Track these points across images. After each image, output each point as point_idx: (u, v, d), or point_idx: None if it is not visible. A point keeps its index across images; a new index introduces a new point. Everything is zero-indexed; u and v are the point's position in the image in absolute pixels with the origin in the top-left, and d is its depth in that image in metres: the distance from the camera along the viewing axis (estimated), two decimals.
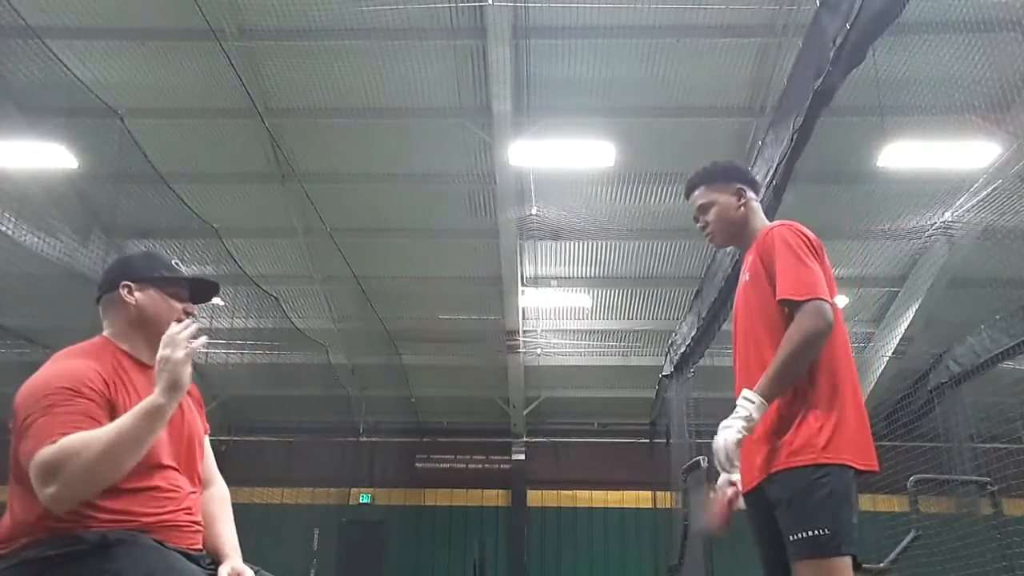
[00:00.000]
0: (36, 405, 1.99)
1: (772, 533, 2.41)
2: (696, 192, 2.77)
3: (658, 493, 13.24)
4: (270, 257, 12.15)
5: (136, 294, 2.28)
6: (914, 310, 11.25)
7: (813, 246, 2.48)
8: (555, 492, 16.47)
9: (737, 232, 2.72)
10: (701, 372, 9.81)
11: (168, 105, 9.07)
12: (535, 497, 16.46)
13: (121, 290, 2.28)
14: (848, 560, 2.25)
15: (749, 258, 2.62)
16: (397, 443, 15.96)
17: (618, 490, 16.07)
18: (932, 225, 9.62)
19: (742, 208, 2.69)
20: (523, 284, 12.42)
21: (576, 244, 11.78)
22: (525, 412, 15.88)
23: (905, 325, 11.57)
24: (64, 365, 2.12)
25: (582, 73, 8.61)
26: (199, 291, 2.43)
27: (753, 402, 2.32)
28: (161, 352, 2.02)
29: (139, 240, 11.39)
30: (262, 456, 13.10)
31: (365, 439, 15.77)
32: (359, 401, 15.29)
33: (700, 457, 8.36)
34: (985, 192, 8.46)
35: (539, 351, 13.99)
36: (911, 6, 4.07)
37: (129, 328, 2.28)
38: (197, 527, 2.21)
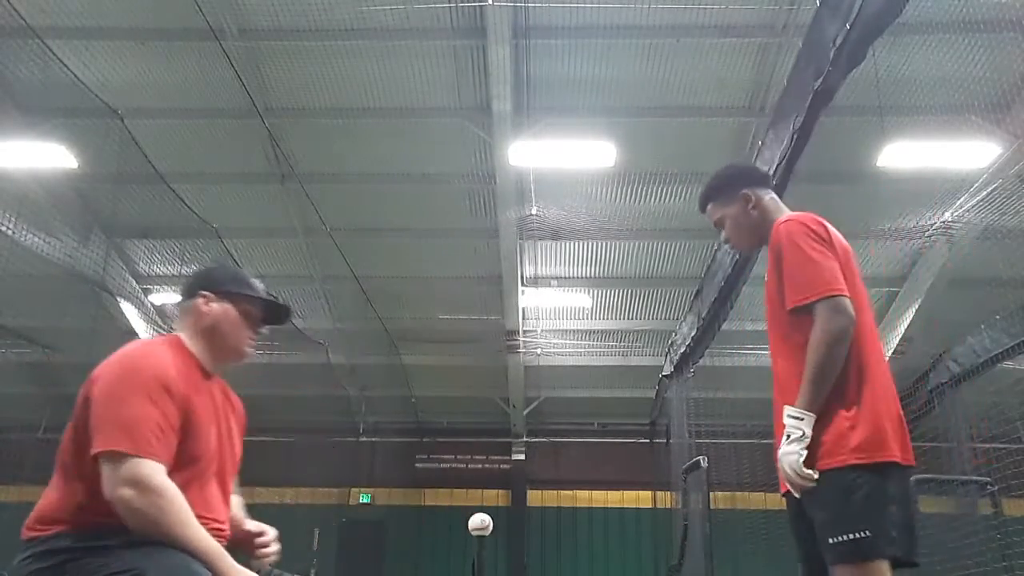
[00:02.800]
0: (128, 387, 2.05)
1: (809, 530, 2.34)
2: (708, 209, 2.77)
3: (658, 493, 13.25)
4: (270, 257, 12.16)
5: (212, 305, 2.34)
6: (914, 310, 11.25)
7: (819, 235, 2.40)
8: (555, 492, 16.46)
9: (757, 234, 2.66)
10: (701, 372, 9.81)
11: (168, 105, 9.07)
12: (535, 497, 16.45)
13: (198, 299, 2.35)
14: (886, 564, 2.18)
15: (767, 257, 2.57)
16: (397, 443, 15.96)
17: (618, 490, 16.07)
18: (932, 225, 9.62)
19: (754, 211, 2.64)
20: (523, 284, 12.41)
21: (576, 244, 11.78)
22: (525, 412, 15.87)
23: (905, 325, 11.57)
24: (155, 351, 2.18)
25: (582, 73, 8.61)
26: (272, 313, 2.48)
27: (801, 419, 2.26)
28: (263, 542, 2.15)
29: (139, 240, 11.41)
30: (262, 456, 13.08)
31: (365, 439, 15.77)
32: (359, 401, 15.29)
33: (700, 457, 8.36)
34: (985, 192, 8.46)
35: (539, 351, 13.99)
36: (911, 6, 4.07)
37: (200, 336, 2.34)
38: (224, 538, 2.25)
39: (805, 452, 2.23)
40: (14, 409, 12.60)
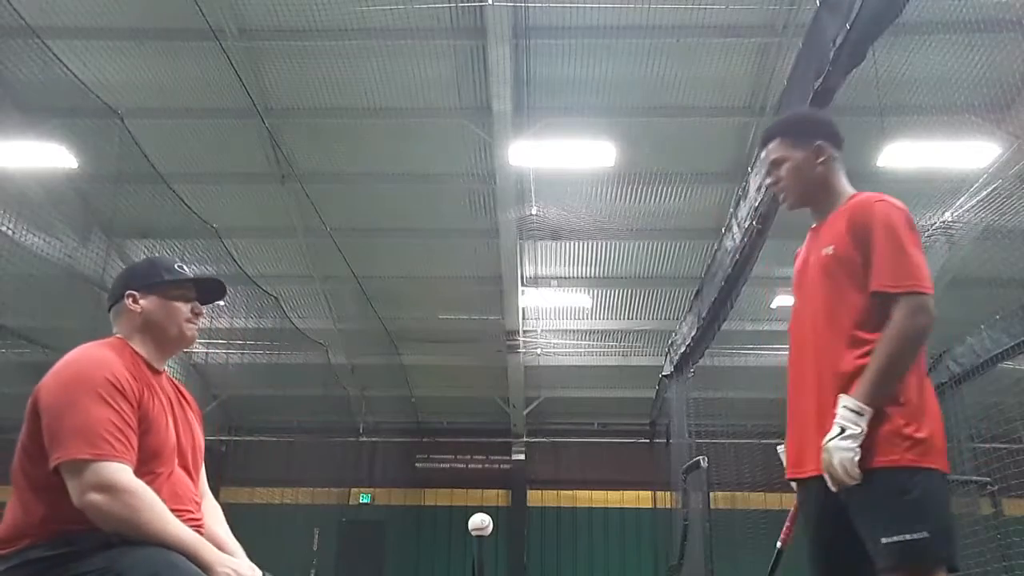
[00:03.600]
0: (78, 392, 2.02)
1: (837, 529, 2.21)
2: (771, 144, 2.48)
3: (658, 493, 13.24)
4: (270, 257, 12.16)
5: (141, 302, 2.31)
6: None
7: (915, 229, 2.25)
8: (555, 492, 16.46)
9: (813, 193, 2.41)
10: (701, 372, 9.81)
11: (168, 105, 9.07)
12: (535, 497, 16.45)
13: (127, 299, 2.31)
14: (942, 569, 2.07)
15: (834, 228, 2.33)
16: (397, 443, 15.96)
17: (618, 490, 16.07)
18: (932, 225, 9.61)
19: (820, 167, 2.40)
20: (523, 284, 12.42)
21: (576, 244, 11.78)
22: (525, 412, 15.87)
23: None
24: (99, 354, 2.16)
25: (582, 73, 8.61)
26: (206, 291, 2.44)
27: (861, 414, 2.11)
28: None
29: (139, 240, 11.41)
30: (262, 456, 13.10)
31: (365, 439, 15.77)
32: (359, 401, 15.29)
33: (700, 457, 8.35)
34: (985, 192, 8.46)
35: (539, 351, 13.99)
36: (911, 6, 4.07)
37: (138, 334, 2.31)
38: (200, 526, 2.23)
39: (860, 452, 2.10)
40: (14, 409, 12.59)
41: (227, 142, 9.79)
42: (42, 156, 9.00)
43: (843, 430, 2.12)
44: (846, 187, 2.42)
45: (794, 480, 2.39)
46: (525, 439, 16.53)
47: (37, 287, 9.76)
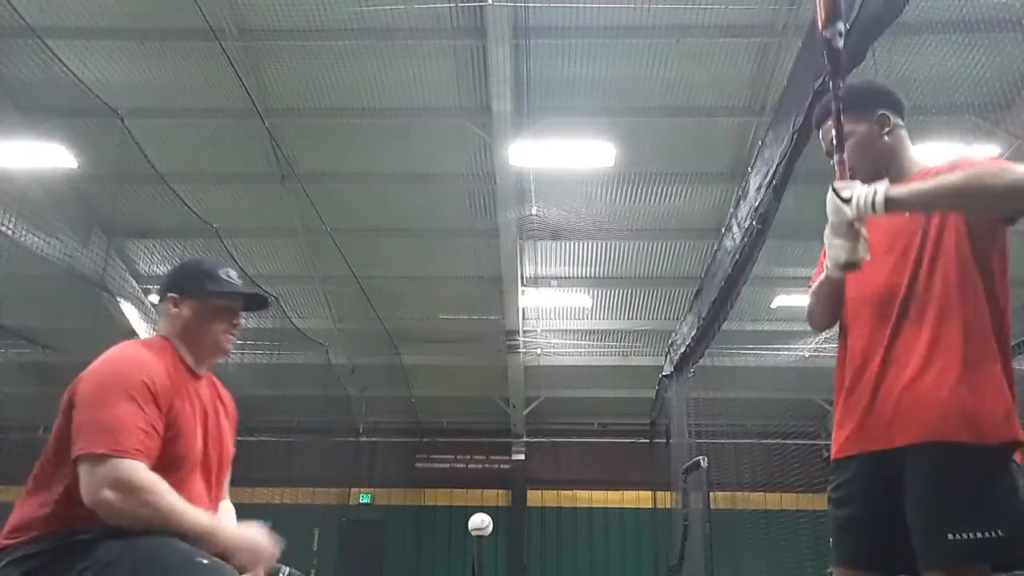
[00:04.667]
0: (111, 390, 2.01)
1: (885, 519, 1.98)
2: (828, 123, 2.23)
3: (658, 493, 13.25)
4: (270, 257, 12.15)
5: (182, 307, 2.29)
6: None
7: None
8: (555, 492, 16.47)
9: (884, 166, 2.14)
10: (701, 372, 9.81)
11: (168, 105, 9.07)
12: (535, 497, 16.45)
13: (168, 302, 2.31)
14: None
15: None
16: (397, 443, 15.96)
17: (618, 490, 16.07)
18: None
19: (886, 137, 2.18)
20: (523, 284, 12.42)
21: (576, 244, 11.78)
22: (525, 412, 15.88)
23: None
24: (139, 355, 2.15)
25: (582, 73, 8.61)
26: (248, 302, 2.41)
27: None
28: (250, 549, 2.09)
29: (139, 240, 11.42)
30: (262, 456, 13.10)
31: (365, 439, 15.77)
32: (359, 401, 15.29)
33: (700, 457, 8.36)
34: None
35: (539, 351, 13.99)
36: (911, 6, 4.07)
37: (178, 337, 2.30)
38: None
39: (880, 206, 1.88)
40: (14, 409, 12.60)
41: (227, 142, 9.79)
42: (42, 156, 8.99)
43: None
44: (916, 156, 2.22)
45: (837, 460, 2.15)
46: (525, 439, 16.53)
47: (37, 287, 9.77)
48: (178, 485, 2.09)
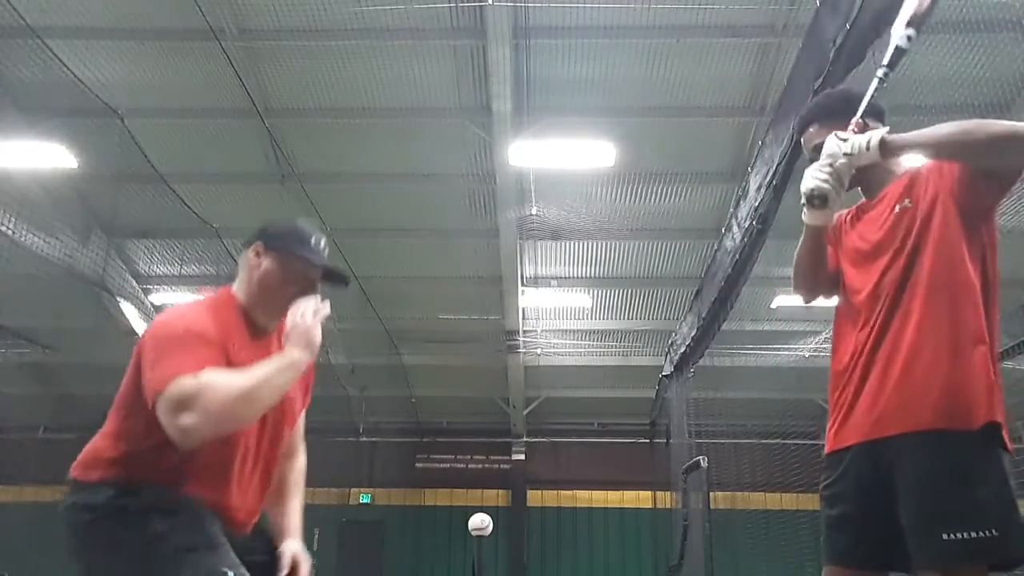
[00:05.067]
0: (166, 342, 2.03)
1: (876, 517, 1.96)
2: (811, 130, 2.32)
3: (658, 493, 13.26)
4: None
5: (263, 259, 2.29)
6: None
7: None
8: (555, 492, 16.47)
9: (863, 172, 2.20)
10: (701, 372, 9.82)
11: (168, 105, 9.07)
12: (535, 497, 16.46)
13: (251, 250, 2.32)
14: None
15: (907, 186, 2.19)
16: (397, 443, 15.96)
17: (618, 490, 16.08)
18: None
19: None
20: (523, 284, 12.42)
21: (576, 244, 11.78)
22: (525, 412, 15.88)
23: None
24: (195, 316, 2.16)
25: (582, 73, 8.61)
26: (327, 275, 2.40)
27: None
28: (291, 319, 2.14)
29: (139, 240, 11.41)
30: None
31: (365, 439, 15.77)
32: (359, 401, 15.29)
33: (700, 457, 8.36)
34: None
35: (539, 351, 13.99)
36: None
37: (251, 288, 2.29)
38: (250, 516, 2.24)
39: (871, 147, 1.96)
40: (14, 409, 12.61)
41: (227, 142, 9.78)
42: (42, 156, 8.99)
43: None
44: (898, 161, 2.26)
45: (831, 454, 2.16)
46: (525, 439, 16.54)
47: (37, 287, 9.77)
48: (217, 456, 2.11)
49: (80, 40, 7.99)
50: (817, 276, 2.31)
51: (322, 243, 2.37)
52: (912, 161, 2.23)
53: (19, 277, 8.94)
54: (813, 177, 2.08)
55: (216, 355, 2.05)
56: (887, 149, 1.99)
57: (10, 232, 8.34)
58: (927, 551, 1.83)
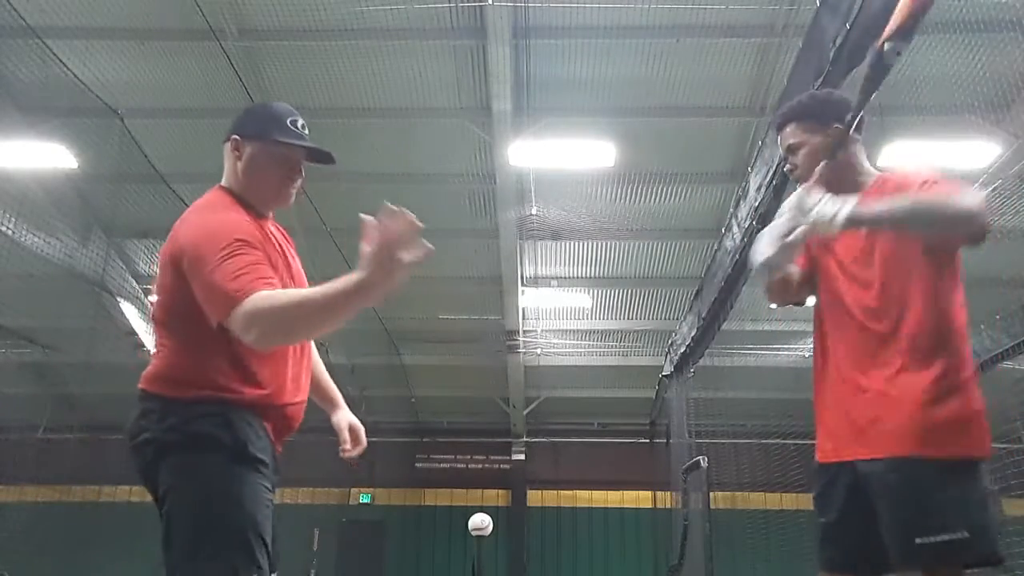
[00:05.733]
0: (217, 252, 2.00)
1: (858, 528, 2.08)
2: (787, 129, 2.38)
3: (658, 493, 13.25)
4: None
5: (243, 150, 2.29)
6: None
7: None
8: (555, 492, 16.47)
9: (837, 177, 2.24)
10: (701, 372, 9.82)
11: (168, 105, 9.07)
12: (535, 497, 16.46)
13: (229, 143, 2.32)
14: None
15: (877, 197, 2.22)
16: (397, 443, 15.96)
17: (618, 490, 16.07)
18: None
19: (840, 149, 2.29)
20: (523, 284, 12.42)
21: (576, 244, 11.78)
22: (525, 412, 15.88)
23: None
24: (226, 217, 2.16)
25: (582, 73, 8.61)
26: (314, 154, 2.39)
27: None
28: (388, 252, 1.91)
29: (139, 240, 11.41)
30: None
31: (365, 439, 15.76)
32: (359, 401, 15.29)
33: (700, 457, 8.36)
34: (985, 192, 8.46)
35: (539, 351, 13.99)
36: None
37: (238, 179, 2.31)
38: (303, 404, 2.33)
39: (848, 220, 1.96)
40: (14, 409, 12.61)
41: None
42: (42, 156, 9.00)
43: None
44: (869, 167, 2.33)
45: (824, 465, 2.26)
46: (525, 439, 16.54)
47: (37, 287, 9.77)
48: (288, 357, 2.18)
49: (80, 40, 7.99)
50: (786, 293, 2.40)
51: (299, 122, 2.33)
52: (870, 172, 2.32)
53: (19, 277, 8.94)
54: (762, 252, 2.10)
55: (261, 255, 2.05)
56: (852, 224, 2.02)
57: (10, 232, 8.34)
58: (904, 556, 1.96)
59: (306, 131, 2.36)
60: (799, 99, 2.45)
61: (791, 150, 2.38)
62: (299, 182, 2.36)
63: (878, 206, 2.00)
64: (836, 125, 2.28)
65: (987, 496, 1.99)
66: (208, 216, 2.17)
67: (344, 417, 2.44)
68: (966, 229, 1.97)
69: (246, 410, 2.07)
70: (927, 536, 1.92)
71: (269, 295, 1.92)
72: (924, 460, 1.97)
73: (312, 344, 2.49)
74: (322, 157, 2.37)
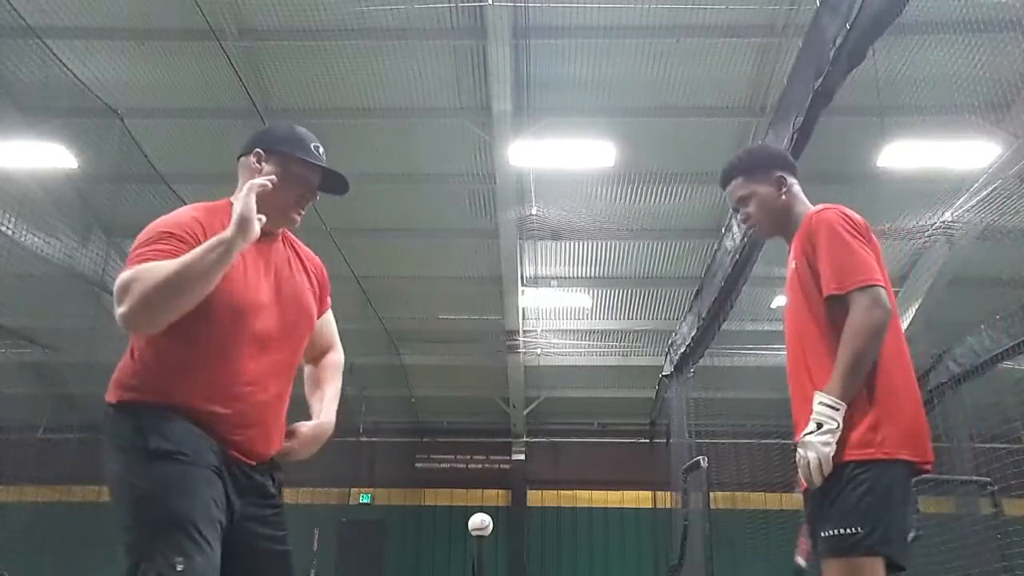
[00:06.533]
0: (137, 243, 2.08)
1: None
2: (734, 183, 2.66)
3: (658, 493, 13.26)
4: None
5: (265, 164, 2.30)
6: (914, 310, 11.26)
7: (858, 226, 2.38)
8: (555, 492, 16.47)
9: (783, 221, 2.59)
10: (701, 372, 9.82)
11: (168, 105, 9.07)
12: (535, 497, 16.46)
13: (252, 156, 2.32)
14: (878, 561, 2.16)
15: (795, 244, 2.51)
16: (397, 443, 15.97)
17: (618, 490, 16.08)
18: (932, 225, 9.62)
19: (784, 196, 2.58)
20: (523, 284, 12.42)
21: (576, 244, 11.78)
22: (525, 412, 15.88)
23: (905, 325, 11.50)
24: (176, 215, 2.19)
25: (582, 73, 8.60)
26: (329, 182, 2.39)
27: (836, 409, 2.21)
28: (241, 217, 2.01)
29: None
30: None
31: (365, 439, 15.76)
32: (359, 401, 15.29)
33: (700, 457, 8.36)
34: (985, 192, 8.46)
35: (539, 351, 13.99)
36: (911, 6, 4.08)
37: None
38: (269, 433, 2.26)
39: (835, 447, 2.21)
40: (14, 409, 12.60)
41: (227, 142, 9.76)
42: (42, 156, 8.99)
43: (820, 425, 2.22)
44: (804, 209, 2.57)
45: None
46: (525, 439, 16.54)
47: (37, 287, 9.77)
48: (239, 352, 2.12)
49: (80, 40, 7.99)
50: None
51: (320, 149, 2.36)
52: (804, 213, 2.55)
53: (19, 277, 8.93)
54: (815, 456, 2.27)
55: (180, 250, 2.03)
56: (848, 399, 2.26)
57: (10, 232, 8.34)
58: (819, 546, 2.27)
59: (325, 156, 2.38)
60: (738, 156, 2.71)
61: (742, 201, 2.64)
62: (310, 205, 2.38)
63: (835, 388, 2.24)
64: (779, 173, 2.59)
65: (892, 496, 2.18)
66: (177, 211, 2.24)
67: (306, 423, 2.41)
68: (874, 344, 2.25)
69: (166, 409, 2.05)
70: (826, 529, 2.22)
71: (135, 270, 1.95)
72: (841, 464, 2.23)
73: (327, 365, 2.53)
74: (337, 187, 2.40)
